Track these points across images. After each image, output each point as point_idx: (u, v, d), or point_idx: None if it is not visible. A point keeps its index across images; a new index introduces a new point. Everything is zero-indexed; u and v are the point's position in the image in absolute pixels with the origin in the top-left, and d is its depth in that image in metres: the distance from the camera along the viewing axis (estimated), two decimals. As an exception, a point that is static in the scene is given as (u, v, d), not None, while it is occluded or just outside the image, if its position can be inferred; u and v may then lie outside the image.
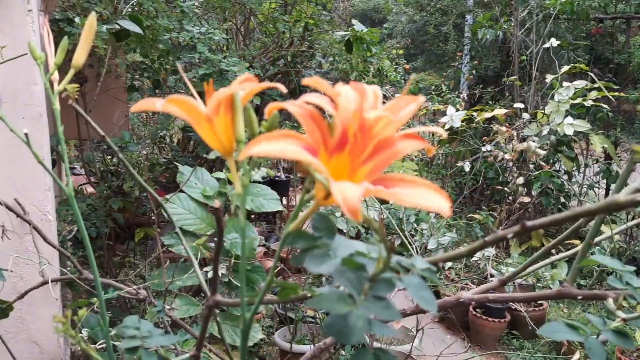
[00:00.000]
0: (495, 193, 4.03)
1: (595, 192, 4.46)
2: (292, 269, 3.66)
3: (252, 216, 3.34)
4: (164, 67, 2.53)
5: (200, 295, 2.10)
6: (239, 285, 1.59)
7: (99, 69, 2.37)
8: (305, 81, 0.35)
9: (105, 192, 2.59)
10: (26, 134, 0.66)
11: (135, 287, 1.20)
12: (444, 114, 4.18)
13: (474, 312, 3.15)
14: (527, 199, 3.58)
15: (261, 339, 2.82)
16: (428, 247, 2.41)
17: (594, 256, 0.68)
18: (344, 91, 0.33)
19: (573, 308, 3.43)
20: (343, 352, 2.56)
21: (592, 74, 3.52)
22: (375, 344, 2.23)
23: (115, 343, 0.86)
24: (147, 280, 2.80)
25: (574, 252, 1.03)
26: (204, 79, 2.10)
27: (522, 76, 4.59)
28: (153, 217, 2.99)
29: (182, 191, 1.74)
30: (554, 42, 3.55)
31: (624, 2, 5.26)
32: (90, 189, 2.84)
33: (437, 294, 3.07)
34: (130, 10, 2.15)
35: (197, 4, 2.94)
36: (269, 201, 1.72)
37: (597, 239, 0.89)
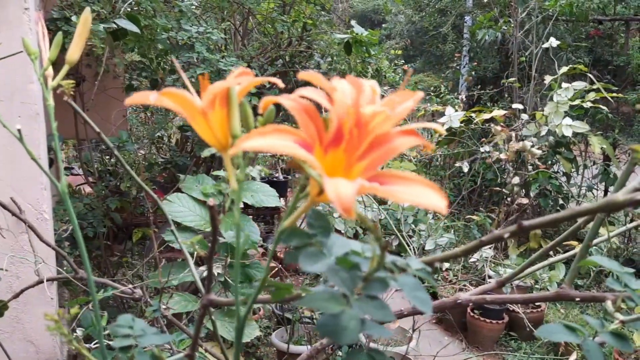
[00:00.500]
0: (493, 194, 4.03)
1: (593, 194, 4.46)
2: (290, 269, 3.65)
3: (249, 211, 3.34)
4: (162, 67, 2.52)
5: (198, 294, 2.09)
6: (234, 278, 1.58)
7: (96, 68, 2.36)
8: (301, 75, 0.34)
9: (102, 191, 2.58)
10: (19, 131, 0.65)
11: (130, 286, 1.19)
12: (442, 115, 4.18)
13: (471, 314, 3.14)
14: (525, 200, 3.58)
15: (258, 340, 2.81)
16: (426, 248, 2.41)
17: (592, 257, 0.67)
18: (341, 85, 0.32)
19: (571, 309, 3.42)
20: (340, 353, 2.55)
21: (591, 76, 3.53)
22: (372, 345, 2.22)
23: (110, 342, 0.85)
24: (144, 280, 2.79)
25: (572, 254, 1.03)
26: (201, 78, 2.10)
27: (521, 77, 4.59)
28: (151, 217, 2.98)
29: (180, 191, 1.74)
30: (553, 42, 3.55)
31: (622, 4, 5.27)
32: (88, 189, 2.83)
33: (435, 296, 3.07)
34: (128, 9, 2.15)
35: (195, 3, 2.93)
36: (268, 197, 1.73)
37: (596, 240, 0.89)
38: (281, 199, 4.64)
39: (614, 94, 3.57)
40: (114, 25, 1.93)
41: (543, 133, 3.49)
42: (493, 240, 0.47)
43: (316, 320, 2.61)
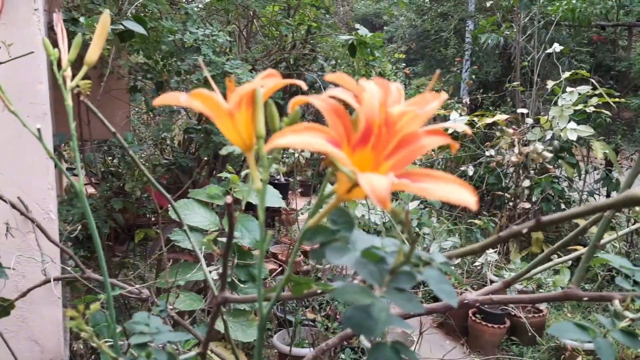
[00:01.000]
0: (496, 199, 4.04)
1: (595, 199, 4.47)
2: (295, 269, 3.66)
3: (251, 212, 3.35)
4: (167, 69, 2.53)
5: (202, 294, 2.10)
6: (241, 285, 1.59)
7: (101, 69, 2.38)
8: (328, 77, 0.35)
9: (106, 192, 2.59)
10: (39, 129, 0.67)
11: (138, 286, 1.20)
12: (444, 118, 4.19)
13: (473, 318, 3.15)
14: (528, 205, 3.59)
15: (260, 342, 2.82)
16: (430, 251, 2.42)
17: (603, 254, 0.68)
18: (368, 86, 0.33)
19: (575, 313, 3.43)
20: (343, 356, 2.56)
21: (593, 81, 3.54)
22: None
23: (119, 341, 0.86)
24: (146, 281, 2.80)
25: (577, 255, 1.04)
26: (207, 81, 2.11)
27: (523, 82, 4.60)
28: (153, 219, 3.00)
29: (185, 196, 1.78)
30: (557, 47, 3.57)
31: (625, 10, 5.29)
32: (91, 190, 2.84)
33: (436, 299, 3.07)
34: (134, 11, 2.16)
35: (200, 6, 2.95)
36: (273, 198, 1.76)
37: (602, 242, 0.90)
38: (282, 200, 4.64)
39: (616, 99, 3.58)
40: (121, 27, 1.94)
41: (548, 137, 3.50)
42: (512, 235, 0.48)
43: (318, 323, 2.61)
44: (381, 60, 3.05)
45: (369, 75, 3.12)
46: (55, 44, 0.68)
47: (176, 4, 2.51)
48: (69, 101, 0.67)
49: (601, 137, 4.04)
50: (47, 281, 1.34)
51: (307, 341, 2.65)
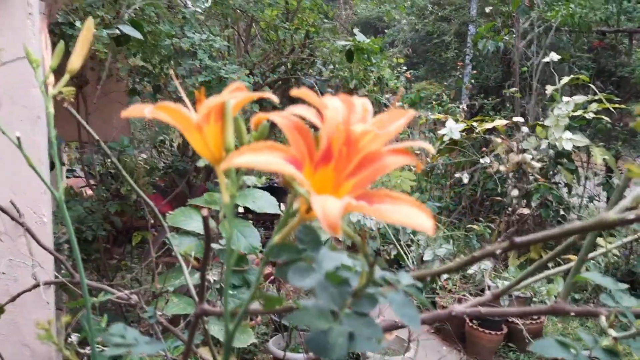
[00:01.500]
0: (494, 204, 4.02)
1: (595, 205, 4.45)
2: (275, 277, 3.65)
3: (250, 216, 3.35)
4: (164, 72, 2.53)
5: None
6: (232, 291, 1.58)
7: (99, 72, 2.38)
8: (294, 92, 0.34)
9: (103, 195, 2.58)
10: (18, 138, 0.66)
11: (127, 292, 1.20)
12: (444, 123, 4.18)
13: (470, 324, 3.13)
14: (526, 211, 3.58)
15: (255, 346, 2.81)
16: (424, 259, 2.40)
17: (586, 273, 0.68)
18: (332, 103, 0.33)
19: (569, 322, 3.41)
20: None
21: (593, 87, 3.53)
22: (369, 353, 2.22)
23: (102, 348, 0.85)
24: (142, 284, 2.79)
25: (569, 266, 1.03)
26: (204, 85, 2.11)
27: (523, 87, 4.59)
28: (151, 221, 2.99)
29: (184, 202, 1.79)
30: (554, 56, 3.56)
31: (627, 16, 5.28)
32: (89, 192, 2.84)
33: (434, 304, 3.06)
34: (132, 15, 2.16)
35: (199, 10, 2.95)
36: (269, 205, 1.78)
37: (592, 254, 0.89)
38: (281, 204, 4.66)
39: (617, 105, 3.57)
40: (117, 31, 1.94)
41: (543, 146, 3.49)
42: (485, 255, 0.48)
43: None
44: (380, 65, 3.04)
45: (367, 79, 3.12)
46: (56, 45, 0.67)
47: (174, 8, 2.51)
48: (51, 109, 0.66)
49: (601, 144, 4.02)
50: (37, 285, 1.34)
51: (302, 347, 2.64)
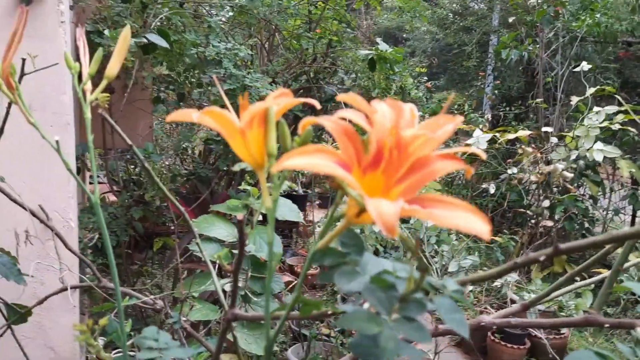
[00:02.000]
0: (517, 216, 3.96)
1: (620, 218, 4.35)
2: (308, 284, 3.64)
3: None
4: (189, 81, 2.56)
5: (219, 304, 2.10)
6: (255, 298, 1.58)
7: (125, 80, 2.42)
8: (340, 97, 0.34)
9: (126, 201, 2.62)
10: (57, 142, 0.67)
11: (153, 297, 1.21)
12: (466, 133, 4.15)
13: (492, 337, 3.08)
14: (550, 223, 3.51)
15: (274, 355, 2.80)
16: (449, 270, 2.38)
17: (624, 282, 0.66)
18: (381, 108, 0.33)
19: (597, 337, 3.33)
20: (357, 372, 2.52)
21: (619, 97, 3.47)
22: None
23: (131, 353, 0.85)
24: (163, 290, 2.81)
25: (599, 278, 1.00)
26: (228, 94, 2.13)
27: (546, 98, 4.54)
28: (172, 227, 3.02)
29: (206, 209, 1.80)
30: (585, 66, 3.51)
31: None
32: (112, 198, 2.88)
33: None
34: (159, 24, 2.20)
35: (223, 19, 2.99)
36: (290, 212, 1.77)
37: (626, 265, 0.87)
38: (300, 213, 4.66)
39: (643, 117, 3.50)
40: (145, 40, 1.97)
41: (573, 157, 3.43)
42: (528, 262, 0.47)
43: (333, 338, 2.59)
44: (402, 74, 3.04)
45: (389, 89, 3.11)
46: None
47: (200, 18, 2.55)
48: (88, 114, 0.68)
49: (627, 156, 3.94)
50: (64, 289, 1.35)
51: (321, 356, 2.62)
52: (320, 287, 3.80)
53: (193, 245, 1.61)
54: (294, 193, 4.51)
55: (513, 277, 2.62)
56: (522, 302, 0.87)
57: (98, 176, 3.76)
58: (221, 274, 1.63)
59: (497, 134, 3.81)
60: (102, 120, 2.47)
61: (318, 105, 0.41)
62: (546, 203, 3.43)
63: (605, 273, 0.94)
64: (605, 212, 4.23)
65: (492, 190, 3.50)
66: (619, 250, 0.85)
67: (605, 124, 3.39)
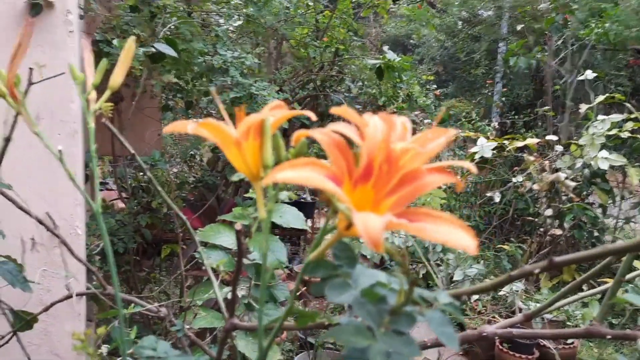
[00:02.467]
0: (525, 224, 3.93)
1: (630, 227, 4.30)
2: (308, 291, 3.63)
3: (276, 231, 3.36)
4: (197, 89, 2.58)
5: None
6: (259, 306, 1.58)
7: (134, 88, 2.44)
8: (334, 110, 0.35)
9: (134, 208, 2.63)
10: (60, 151, 0.68)
11: (156, 304, 1.21)
12: (474, 141, 4.13)
13: (500, 347, 3.05)
14: (558, 232, 3.48)
15: (280, 363, 2.79)
16: (454, 278, 2.36)
17: (625, 294, 0.65)
18: (372, 121, 0.33)
19: (604, 347, 3.28)
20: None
21: (629, 105, 3.44)
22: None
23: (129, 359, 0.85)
24: (170, 297, 2.81)
25: (604, 288, 0.99)
26: (234, 102, 2.14)
27: (555, 105, 4.51)
28: (180, 234, 3.03)
29: (213, 218, 1.80)
30: (589, 74, 3.49)
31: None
32: (121, 204, 2.90)
33: (462, 327, 2.99)
34: (167, 33, 2.22)
35: (231, 28, 3.01)
36: (296, 220, 1.77)
37: (629, 276, 0.86)
38: (308, 220, 4.65)
39: (654, 124, 3.47)
40: (153, 49, 1.99)
41: (578, 165, 3.41)
42: (523, 275, 0.46)
43: (340, 346, 2.58)
44: (409, 82, 3.04)
45: (396, 97, 3.12)
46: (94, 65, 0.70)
47: (207, 27, 2.57)
48: (92, 124, 0.69)
49: (637, 164, 3.90)
50: (70, 296, 1.36)
51: (327, 365, 2.61)
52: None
53: (199, 253, 1.62)
54: (302, 200, 4.51)
55: (519, 286, 2.60)
56: (525, 312, 0.86)
57: (107, 182, 3.79)
58: (226, 282, 1.63)
59: (506, 142, 3.79)
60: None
61: (314, 117, 0.41)
62: (549, 212, 3.40)
63: (610, 283, 0.93)
64: (615, 221, 4.19)
65: (497, 199, 3.48)
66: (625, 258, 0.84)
67: (614, 131, 3.36)
